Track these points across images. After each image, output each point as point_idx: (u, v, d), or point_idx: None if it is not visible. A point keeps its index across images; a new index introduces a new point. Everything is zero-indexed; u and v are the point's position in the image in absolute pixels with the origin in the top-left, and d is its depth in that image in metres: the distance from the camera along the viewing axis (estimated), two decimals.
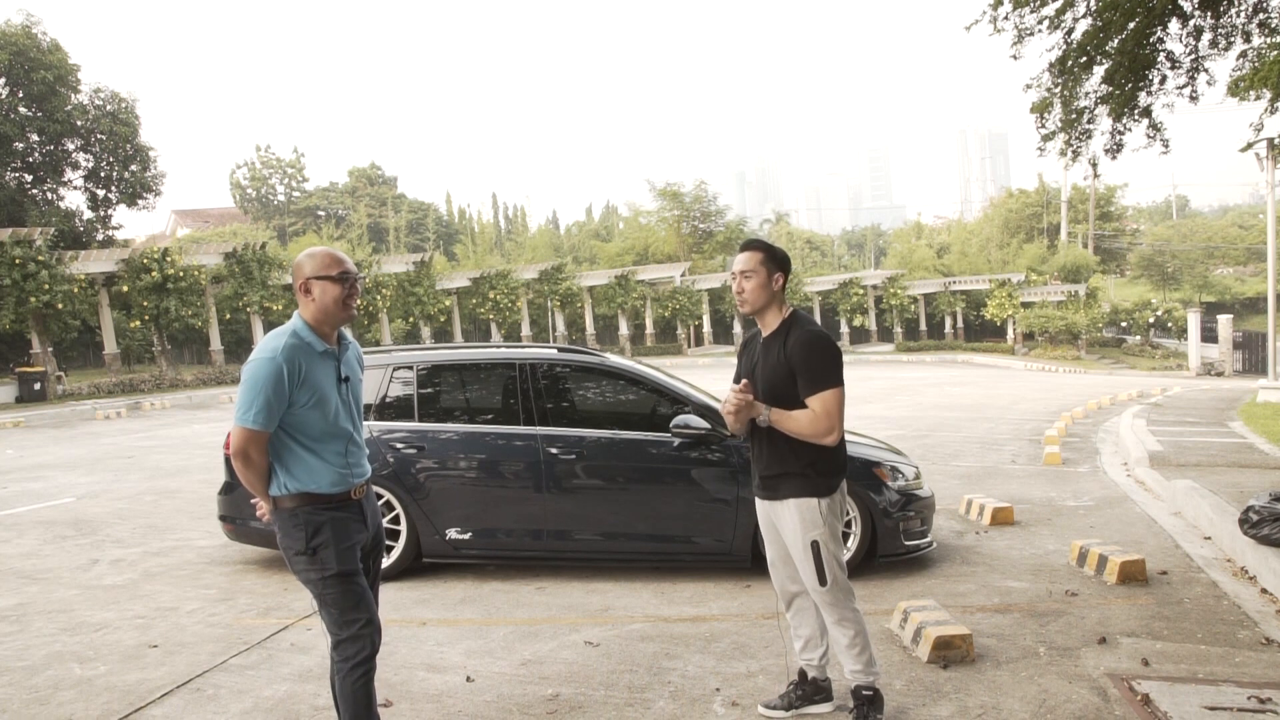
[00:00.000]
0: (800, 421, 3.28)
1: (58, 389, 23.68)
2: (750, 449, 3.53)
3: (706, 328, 44.00)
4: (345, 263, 2.98)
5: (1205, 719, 3.44)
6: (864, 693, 3.45)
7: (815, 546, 3.33)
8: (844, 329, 46.00)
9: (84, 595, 5.58)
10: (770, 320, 3.45)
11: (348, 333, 3.15)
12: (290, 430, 2.92)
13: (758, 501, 3.57)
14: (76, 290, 23.92)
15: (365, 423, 5.78)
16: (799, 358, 3.30)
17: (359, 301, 3.10)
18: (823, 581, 3.34)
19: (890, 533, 5.54)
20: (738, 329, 43.04)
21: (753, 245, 3.46)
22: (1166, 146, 9.72)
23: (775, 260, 3.42)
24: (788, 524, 3.40)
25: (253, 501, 3.08)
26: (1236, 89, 9.52)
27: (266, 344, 2.89)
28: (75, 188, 32.77)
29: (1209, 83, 9.28)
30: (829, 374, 3.30)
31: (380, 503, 5.73)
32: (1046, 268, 45.11)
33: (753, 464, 3.54)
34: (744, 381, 3.37)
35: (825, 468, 3.36)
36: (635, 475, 5.63)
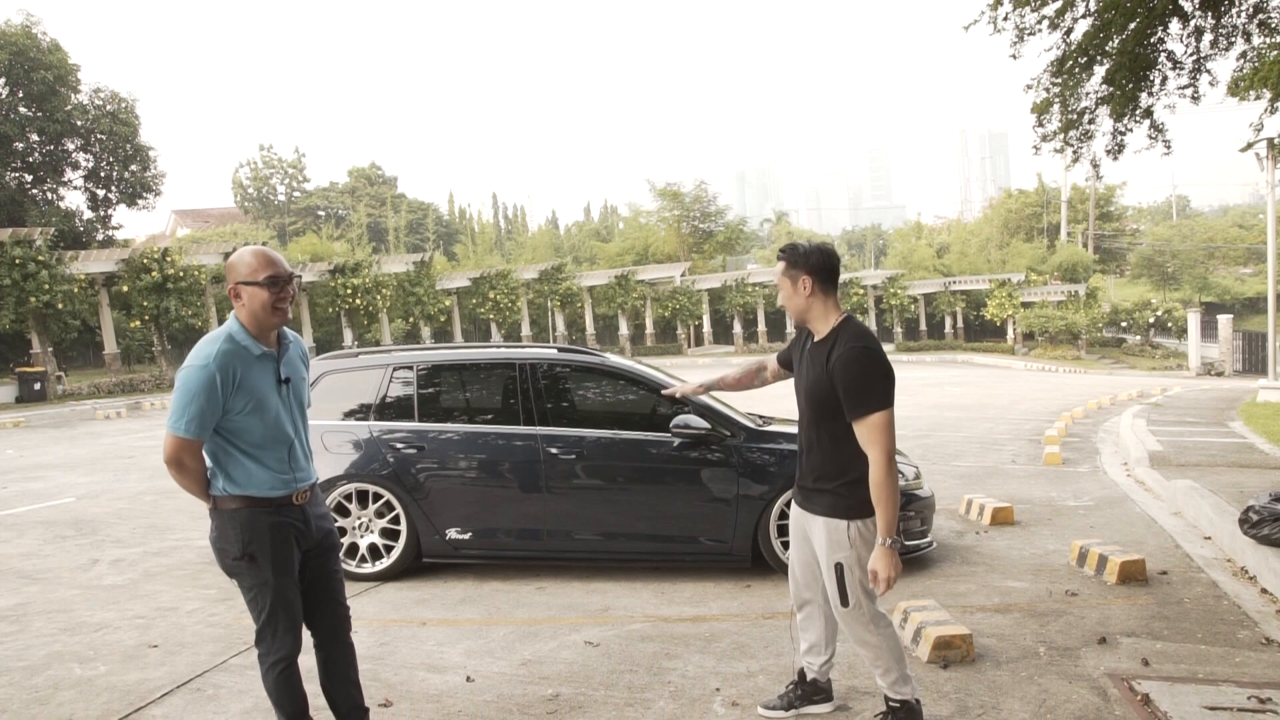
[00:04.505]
0: (880, 490, 2.99)
1: (58, 389, 23.67)
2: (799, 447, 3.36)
3: (706, 328, 43.95)
4: (277, 265, 2.84)
5: (1205, 719, 3.44)
6: (891, 702, 3.30)
7: (839, 569, 3.18)
8: None
9: (84, 595, 5.58)
10: (819, 326, 3.20)
11: (289, 331, 3.03)
12: (229, 436, 2.83)
13: (794, 504, 3.43)
14: (76, 290, 23.91)
15: (366, 423, 5.81)
16: (841, 375, 3.04)
17: (292, 307, 2.88)
18: (845, 603, 3.20)
19: None
20: (738, 328, 43.00)
21: (779, 254, 3.25)
22: (1169, 148, 9.69)
23: (797, 264, 3.17)
24: (817, 539, 3.29)
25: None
26: (1237, 89, 9.51)
27: (200, 350, 2.79)
28: (75, 188, 32.79)
29: (1211, 83, 9.25)
30: (875, 395, 3.00)
31: (380, 502, 5.73)
32: (1045, 267, 45.12)
33: (798, 466, 3.39)
34: (699, 385, 3.78)
35: (859, 488, 3.10)
36: (635, 475, 5.63)
